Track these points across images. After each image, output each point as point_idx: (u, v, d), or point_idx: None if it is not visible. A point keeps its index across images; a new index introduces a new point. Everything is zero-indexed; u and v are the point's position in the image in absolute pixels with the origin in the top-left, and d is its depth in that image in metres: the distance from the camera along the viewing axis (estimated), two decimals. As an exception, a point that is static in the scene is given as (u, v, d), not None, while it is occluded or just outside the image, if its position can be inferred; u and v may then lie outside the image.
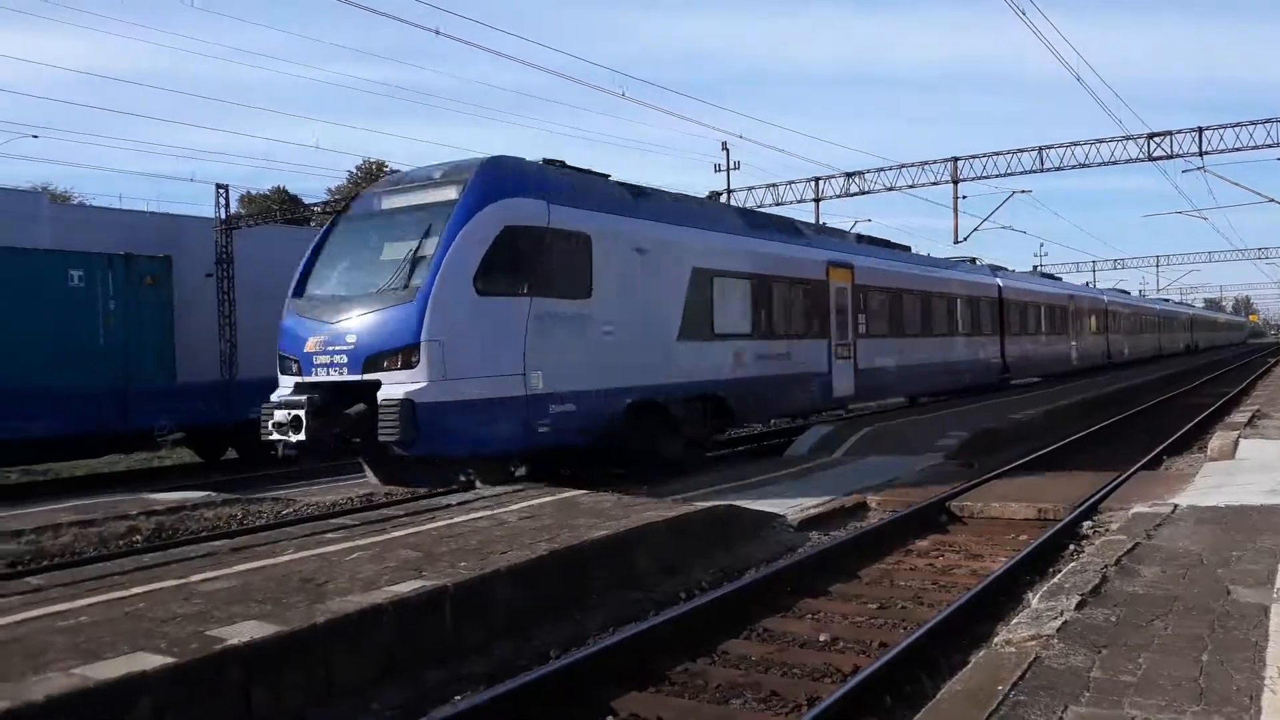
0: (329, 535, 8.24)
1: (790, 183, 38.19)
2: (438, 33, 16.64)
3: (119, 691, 4.65)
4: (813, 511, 10.86)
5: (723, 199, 39.10)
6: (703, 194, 36.64)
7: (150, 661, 4.95)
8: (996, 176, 34.31)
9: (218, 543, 8.62)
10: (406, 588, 6.47)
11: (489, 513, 9.25)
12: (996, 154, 33.92)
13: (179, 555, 7.76)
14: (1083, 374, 36.08)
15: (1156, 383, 33.64)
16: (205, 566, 7.05)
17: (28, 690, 4.51)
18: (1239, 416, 17.96)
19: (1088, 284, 56.10)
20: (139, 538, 11.43)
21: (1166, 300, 75.48)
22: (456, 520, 8.92)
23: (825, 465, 14.39)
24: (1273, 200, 32.64)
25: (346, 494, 13.29)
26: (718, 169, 40.27)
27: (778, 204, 38.45)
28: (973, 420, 18.59)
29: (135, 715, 4.66)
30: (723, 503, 10.39)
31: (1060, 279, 42.50)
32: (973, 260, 29.68)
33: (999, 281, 29.23)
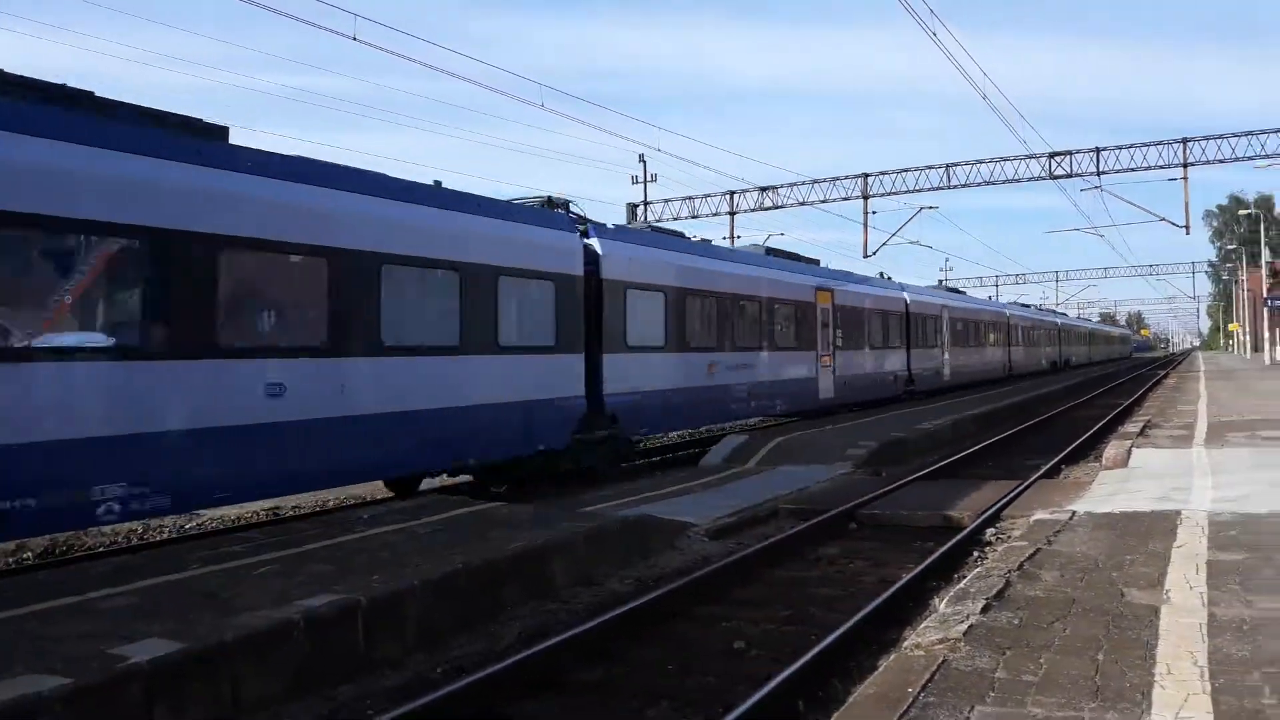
0: (235, 549, 8.02)
1: (706, 196, 38.81)
2: (355, 39, 16.37)
3: (12, 715, 4.46)
4: (726, 521, 10.97)
5: (639, 211, 39.37)
6: (620, 207, 36.76)
7: (47, 683, 4.76)
8: (905, 193, 35.49)
9: (118, 558, 8.33)
10: (318, 601, 6.34)
11: (403, 525, 9.11)
12: (905, 170, 35.08)
13: (75, 572, 7.47)
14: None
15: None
16: (104, 583, 6.79)
17: (-88, 715, 4.30)
18: (1131, 427, 18.72)
19: (889, 279, 33.09)
20: (29, 554, 11.00)
21: (1026, 306, 58.61)
22: (369, 533, 8.76)
23: (739, 475, 14.55)
24: (1163, 219, 34.25)
25: (252, 508, 13.00)
26: (635, 181, 40.46)
27: (694, 216, 38.99)
28: (881, 430, 19.01)
29: (30, 738, 4.47)
30: (638, 513, 10.43)
31: (801, 258, 24.85)
32: (548, 202, 15.39)
33: (597, 246, 15.24)
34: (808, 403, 22.74)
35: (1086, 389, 39.10)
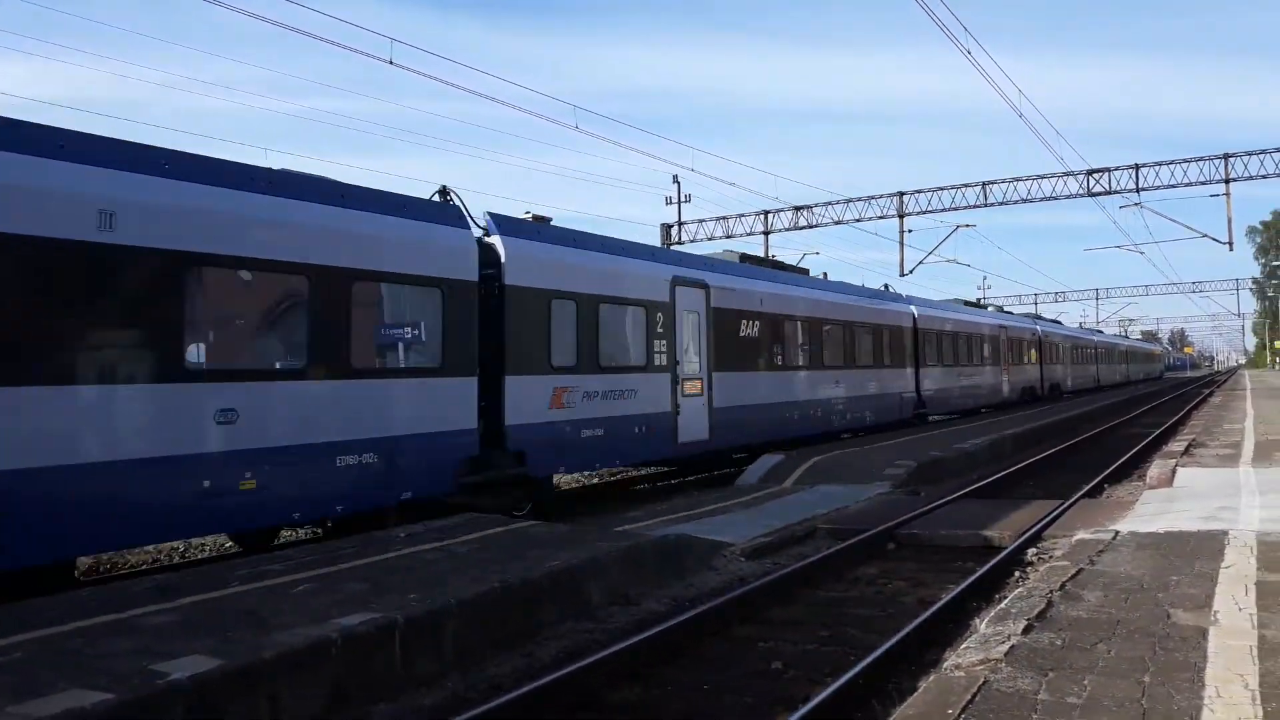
0: (274, 568, 8.09)
1: (740, 216, 38.84)
2: (390, 62, 16.60)
3: (56, 729, 4.51)
4: (763, 540, 10.90)
5: (673, 232, 39.46)
6: (654, 228, 36.52)
7: (90, 698, 4.82)
8: (941, 211, 35.31)
9: (159, 576, 8.43)
10: (355, 620, 6.37)
11: (440, 544, 9.15)
12: (941, 189, 34.88)
13: (117, 589, 7.56)
14: None
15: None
16: (146, 600, 6.87)
17: (-40, 729, 4.37)
18: (1176, 446, 18.40)
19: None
20: (77, 572, 11.14)
21: (977, 304, 40.24)
22: (406, 552, 8.80)
23: (776, 494, 14.46)
24: (1206, 235, 33.69)
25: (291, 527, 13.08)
26: (669, 201, 40.52)
27: (728, 236, 39.02)
28: (919, 450, 18.82)
29: (73, 753, 4.52)
30: (674, 532, 10.39)
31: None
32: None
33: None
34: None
35: (1128, 408, 38.49)
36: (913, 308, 27.92)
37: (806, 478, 15.76)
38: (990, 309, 41.34)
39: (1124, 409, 37.58)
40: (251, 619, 6.39)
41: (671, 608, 8.46)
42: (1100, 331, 73.53)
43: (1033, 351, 41.27)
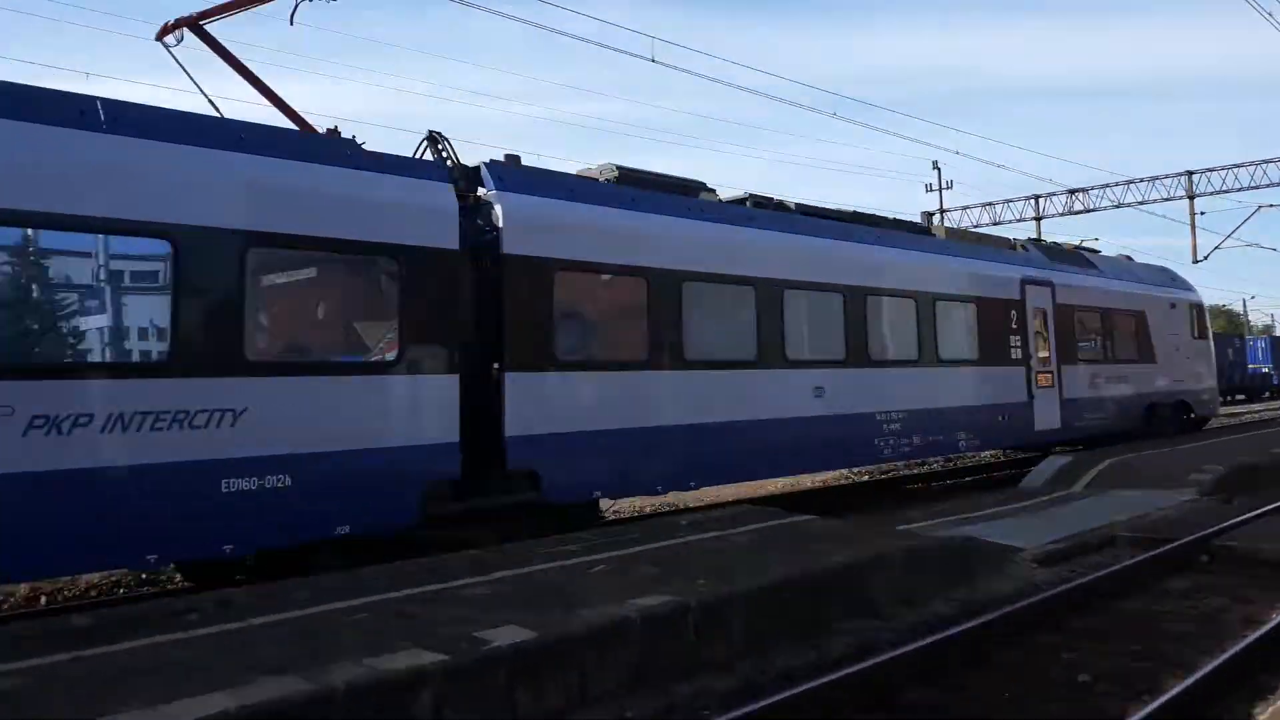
0: (570, 548, 8.55)
1: (1008, 201, 36.86)
2: (653, 60, 17.10)
3: (405, 683, 5.00)
4: (1055, 547, 10.31)
5: (935, 220, 38.01)
6: (916, 216, 35.49)
7: (427, 658, 5.30)
8: (1239, 190, 31.91)
9: (471, 552, 9.11)
10: (651, 601, 6.61)
11: (721, 533, 9.33)
12: (1238, 166, 31.55)
13: (439, 562, 8.24)
14: None
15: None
16: (464, 574, 7.46)
17: (329, 676, 4.93)
18: None
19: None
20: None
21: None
22: (689, 539, 9.04)
23: (1065, 499, 13.64)
24: None
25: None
26: (929, 189, 39.14)
27: (995, 223, 37.12)
28: (1229, 454, 17.12)
29: (419, 706, 5.00)
30: (959, 534, 10.04)
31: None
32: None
33: None
34: None
35: None
36: None
37: (1099, 482, 14.75)
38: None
39: None
40: (558, 595, 6.79)
41: (960, 611, 8.17)
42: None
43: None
